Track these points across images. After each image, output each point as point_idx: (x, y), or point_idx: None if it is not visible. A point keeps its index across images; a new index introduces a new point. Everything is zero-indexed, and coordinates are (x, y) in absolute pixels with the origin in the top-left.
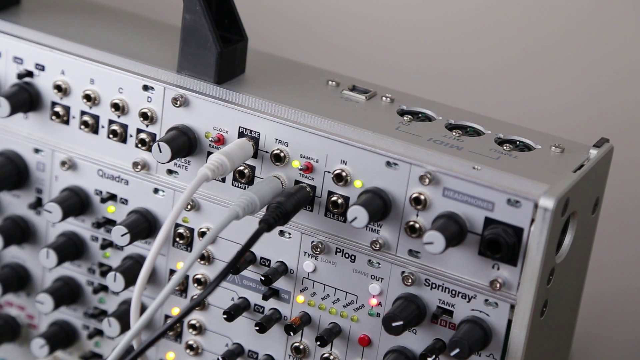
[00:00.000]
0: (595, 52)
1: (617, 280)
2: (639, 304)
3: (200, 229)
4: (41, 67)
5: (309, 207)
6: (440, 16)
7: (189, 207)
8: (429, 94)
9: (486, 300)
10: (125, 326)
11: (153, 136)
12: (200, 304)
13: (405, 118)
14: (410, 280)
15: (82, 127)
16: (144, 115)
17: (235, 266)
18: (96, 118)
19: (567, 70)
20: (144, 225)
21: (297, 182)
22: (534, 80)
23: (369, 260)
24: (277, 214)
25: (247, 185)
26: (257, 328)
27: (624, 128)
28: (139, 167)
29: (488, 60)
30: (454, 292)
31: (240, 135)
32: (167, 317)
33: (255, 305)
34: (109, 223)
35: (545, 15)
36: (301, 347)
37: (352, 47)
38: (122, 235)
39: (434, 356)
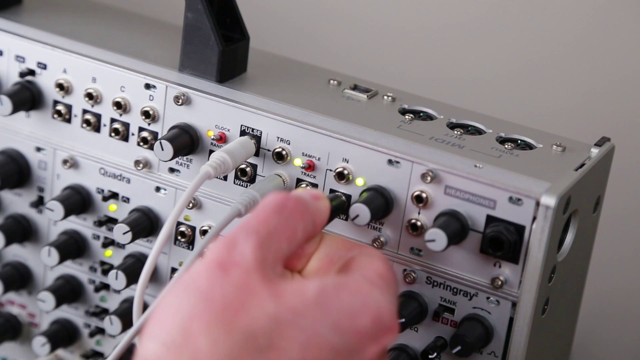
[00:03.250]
0: (596, 52)
1: (618, 279)
2: None
3: (202, 227)
4: (43, 66)
5: None
6: (442, 16)
7: (190, 205)
8: (430, 93)
9: (488, 298)
10: (126, 324)
11: (155, 134)
12: None
13: (406, 117)
14: (411, 278)
15: (84, 125)
16: (146, 114)
17: None
18: (98, 116)
19: (568, 70)
20: (145, 223)
21: (299, 180)
22: (535, 80)
23: None
24: None
25: (248, 184)
26: None
27: (625, 127)
28: (141, 165)
29: (489, 59)
30: (455, 290)
31: (242, 133)
32: None
33: None
34: (110, 221)
35: (547, 15)
36: None
37: (354, 46)
38: (124, 234)
39: (435, 354)
